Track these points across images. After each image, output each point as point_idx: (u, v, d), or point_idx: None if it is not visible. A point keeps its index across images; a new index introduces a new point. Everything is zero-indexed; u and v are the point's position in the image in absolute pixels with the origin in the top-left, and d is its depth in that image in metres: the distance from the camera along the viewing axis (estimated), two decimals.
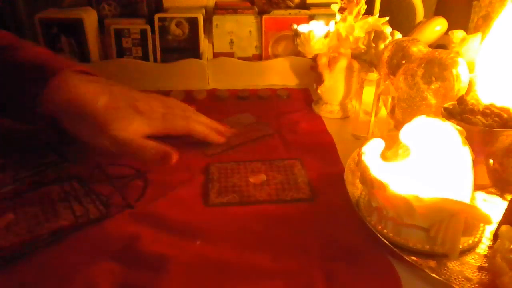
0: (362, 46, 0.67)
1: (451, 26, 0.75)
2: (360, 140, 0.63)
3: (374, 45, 0.73)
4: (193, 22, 0.81)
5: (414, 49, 0.59)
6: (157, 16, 0.80)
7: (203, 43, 0.83)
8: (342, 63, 0.68)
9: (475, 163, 0.40)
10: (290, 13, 0.85)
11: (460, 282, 0.36)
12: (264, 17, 0.83)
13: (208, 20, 0.85)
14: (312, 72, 0.73)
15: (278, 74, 0.84)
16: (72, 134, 0.50)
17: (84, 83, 0.49)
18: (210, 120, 0.60)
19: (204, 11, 0.86)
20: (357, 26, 0.65)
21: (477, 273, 0.37)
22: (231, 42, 0.85)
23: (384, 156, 0.44)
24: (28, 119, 0.51)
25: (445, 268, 0.38)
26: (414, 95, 0.56)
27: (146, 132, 0.51)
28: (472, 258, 0.39)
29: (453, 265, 0.38)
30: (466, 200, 0.39)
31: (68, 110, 0.48)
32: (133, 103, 0.51)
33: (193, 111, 0.60)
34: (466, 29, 0.77)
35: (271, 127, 0.65)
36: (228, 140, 0.60)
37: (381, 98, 0.62)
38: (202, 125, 0.58)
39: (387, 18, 0.67)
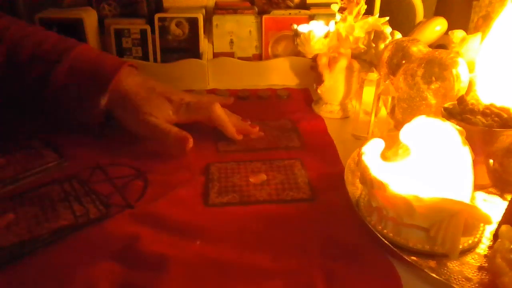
0: (362, 46, 0.67)
1: (451, 26, 0.75)
2: (360, 140, 0.63)
3: (374, 45, 0.73)
4: (193, 22, 0.81)
5: (414, 49, 0.59)
6: (157, 16, 0.80)
7: (203, 43, 0.83)
8: (342, 63, 0.68)
9: (475, 163, 0.40)
10: (290, 13, 0.85)
11: (460, 282, 0.36)
12: (264, 17, 0.83)
13: (208, 20, 0.85)
14: (312, 72, 0.73)
15: (278, 74, 0.84)
16: (119, 122, 0.58)
17: (131, 77, 0.58)
18: (237, 117, 0.63)
19: (204, 11, 0.86)
20: (357, 26, 0.65)
21: (477, 273, 0.37)
22: (231, 42, 0.85)
23: (384, 156, 0.44)
24: (85, 119, 0.58)
25: (445, 268, 0.38)
26: (414, 95, 0.56)
27: (173, 119, 0.57)
28: (472, 258, 0.39)
29: (453, 265, 0.38)
30: (466, 200, 0.39)
31: (118, 102, 0.56)
32: (166, 93, 0.58)
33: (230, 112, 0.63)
34: (466, 29, 0.77)
35: (300, 140, 0.62)
36: (249, 142, 0.61)
37: (381, 98, 0.62)
38: (224, 114, 0.60)
39: (387, 18, 0.67)
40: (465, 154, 0.40)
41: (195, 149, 0.58)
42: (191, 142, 0.55)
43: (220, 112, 0.59)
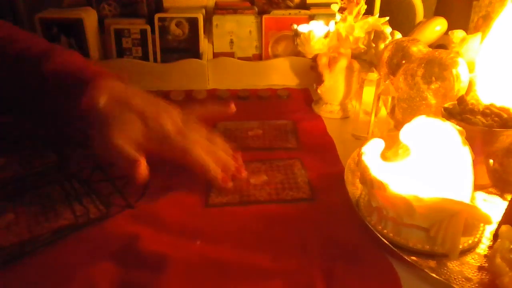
0: (362, 46, 0.67)
1: (451, 26, 0.75)
2: (360, 140, 0.63)
3: (374, 45, 0.73)
4: (193, 22, 0.81)
5: (414, 49, 0.59)
6: (157, 16, 0.80)
7: (203, 43, 0.83)
8: (342, 63, 0.68)
9: (475, 163, 0.40)
10: (290, 13, 0.85)
11: (460, 282, 0.36)
12: (264, 17, 0.83)
13: (208, 20, 0.85)
14: (312, 72, 0.73)
15: (278, 74, 0.84)
16: (92, 138, 0.49)
17: (108, 92, 0.48)
18: (230, 153, 0.52)
19: (204, 11, 0.86)
20: (357, 26, 0.65)
21: (477, 273, 0.37)
22: (231, 42, 0.85)
23: (384, 156, 0.44)
24: (59, 125, 0.53)
25: (445, 268, 0.38)
26: (414, 95, 0.56)
27: (141, 145, 0.47)
28: (472, 258, 0.39)
29: (453, 265, 0.38)
30: (466, 200, 0.39)
31: (92, 115, 0.47)
32: (144, 114, 0.47)
33: (219, 142, 0.53)
34: (466, 29, 0.77)
35: (299, 141, 0.62)
36: (245, 140, 0.57)
37: (381, 98, 0.62)
38: (205, 153, 0.48)
39: (387, 18, 0.67)
40: (465, 154, 0.40)
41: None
42: (142, 165, 0.44)
43: (196, 158, 0.48)
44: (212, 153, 0.50)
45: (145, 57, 0.82)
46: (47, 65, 0.51)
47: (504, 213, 0.41)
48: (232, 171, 0.51)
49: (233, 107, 0.55)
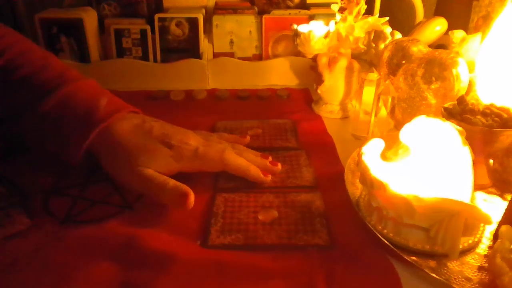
0: (362, 46, 0.67)
1: (451, 26, 0.75)
2: (360, 140, 0.63)
3: (374, 45, 0.73)
4: (193, 22, 0.81)
5: (414, 49, 0.59)
6: (157, 16, 0.80)
7: (203, 43, 0.83)
8: (342, 63, 0.68)
9: (475, 163, 0.40)
10: (290, 13, 0.85)
11: (460, 282, 0.36)
12: (264, 17, 0.83)
13: (208, 20, 0.85)
14: (312, 72, 0.73)
15: (278, 74, 0.84)
16: (107, 173, 0.49)
17: (125, 121, 0.49)
18: (253, 152, 0.53)
19: (204, 11, 0.86)
20: (357, 26, 0.65)
21: (477, 273, 0.37)
22: (231, 42, 0.85)
23: (384, 156, 0.44)
24: (66, 155, 0.49)
25: (445, 268, 0.38)
26: (414, 95, 0.56)
27: (173, 169, 0.48)
28: (472, 258, 0.39)
29: (453, 265, 0.38)
30: (466, 200, 0.39)
31: (107, 150, 0.48)
32: (166, 138, 0.48)
33: (243, 148, 0.54)
34: (466, 29, 0.77)
35: (295, 141, 0.61)
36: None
37: (381, 98, 0.62)
38: (239, 159, 0.50)
39: (387, 18, 0.67)
40: (465, 154, 0.40)
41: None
42: (191, 198, 0.44)
43: (235, 161, 0.49)
44: (243, 155, 0.51)
45: (145, 57, 0.82)
46: (58, 92, 0.49)
47: (504, 213, 0.41)
48: (266, 166, 0.52)
49: (247, 138, 0.58)
